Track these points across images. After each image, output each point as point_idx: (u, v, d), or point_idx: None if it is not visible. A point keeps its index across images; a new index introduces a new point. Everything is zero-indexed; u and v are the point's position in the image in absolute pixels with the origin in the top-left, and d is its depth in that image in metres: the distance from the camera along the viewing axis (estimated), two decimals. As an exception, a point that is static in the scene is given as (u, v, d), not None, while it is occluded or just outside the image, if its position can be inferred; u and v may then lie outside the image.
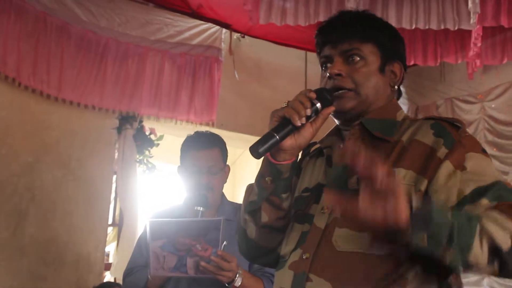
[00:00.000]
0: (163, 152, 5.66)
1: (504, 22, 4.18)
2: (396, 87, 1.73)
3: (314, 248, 1.55)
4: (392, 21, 4.33)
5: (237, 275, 2.54)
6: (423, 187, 1.50)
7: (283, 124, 1.55)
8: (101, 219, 5.11)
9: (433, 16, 4.30)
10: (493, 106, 5.90)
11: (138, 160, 5.34)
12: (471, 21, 3.89)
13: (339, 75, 1.65)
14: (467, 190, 1.47)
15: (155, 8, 5.35)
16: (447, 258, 1.31)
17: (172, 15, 5.39)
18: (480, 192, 1.45)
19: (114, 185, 5.34)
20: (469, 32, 4.32)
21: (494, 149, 5.79)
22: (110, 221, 5.46)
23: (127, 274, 2.88)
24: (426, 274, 1.45)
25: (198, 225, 2.53)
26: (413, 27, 4.37)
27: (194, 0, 5.19)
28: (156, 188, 6.82)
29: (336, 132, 1.77)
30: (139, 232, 5.17)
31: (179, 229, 2.53)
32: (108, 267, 5.31)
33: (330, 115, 1.69)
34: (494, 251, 1.32)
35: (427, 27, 4.36)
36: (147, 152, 5.41)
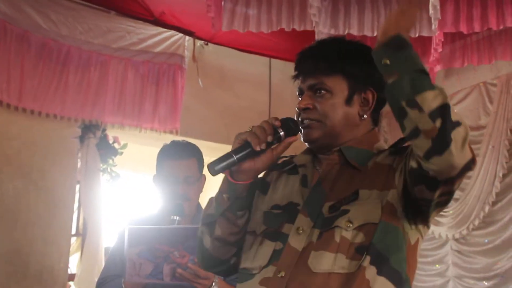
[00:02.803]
0: (127, 161, 5.62)
1: (463, 28, 4.24)
2: (365, 116, 1.78)
3: (291, 268, 1.62)
4: (354, 29, 4.37)
5: (213, 284, 2.53)
6: (389, 198, 1.64)
7: (244, 147, 1.64)
8: (64, 229, 5.04)
9: (394, 23, 4.35)
10: (455, 111, 5.97)
11: (101, 169, 5.28)
12: (433, 27, 3.94)
13: (306, 109, 1.75)
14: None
15: (117, 16, 5.32)
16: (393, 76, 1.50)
17: (134, 23, 5.36)
18: None
19: (77, 195, 5.28)
20: (430, 38, 4.37)
21: (457, 154, 5.86)
22: (73, 231, 5.39)
23: (100, 283, 2.85)
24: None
25: (177, 233, 2.52)
26: (375, 34, 4.41)
27: (156, 7, 5.16)
28: (120, 197, 6.76)
29: (310, 152, 1.84)
30: (103, 241, 5.13)
31: (157, 236, 2.52)
32: (72, 277, 5.24)
33: (306, 143, 1.80)
34: (443, 109, 1.45)
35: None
36: (110, 161, 5.36)
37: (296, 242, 1.66)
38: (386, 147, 1.83)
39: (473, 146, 5.49)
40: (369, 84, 1.78)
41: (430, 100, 1.45)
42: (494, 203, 5.49)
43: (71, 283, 5.35)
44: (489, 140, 5.54)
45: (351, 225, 1.61)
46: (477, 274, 5.56)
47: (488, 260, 5.51)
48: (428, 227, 1.74)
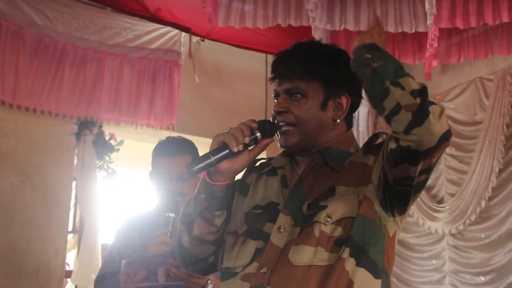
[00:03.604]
0: (123, 157, 5.61)
1: (459, 24, 4.24)
2: (338, 120, 1.84)
3: (273, 264, 1.68)
4: (350, 25, 4.36)
5: (208, 282, 2.52)
6: (367, 192, 1.71)
7: (221, 148, 1.70)
8: (60, 226, 5.03)
9: (390, 19, 4.34)
10: (451, 106, 5.98)
11: (98, 165, 5.28)
12: (428, 22, 3.94)
13: (282, 112, 1.80)
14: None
15: (113, 12, 5.30)
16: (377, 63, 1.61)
17: (130, 19, 5.35)
18: None
19: (74, 192, 5.28)
20: (426, 33, 4.37)
21: (453, 149, 5.88)
22: (70, 228, 5.39)
23: (99, 280, 2.84)
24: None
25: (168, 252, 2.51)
26: (371, 29, 4.40)
27: (152, 3, 5.15)
28: (117, 193, 6.76)
29: (287, 154, 1.90)
30: (99, 238, 5.13)
31: (153, 262, 2.52)
32: (69, 274, 5.24)
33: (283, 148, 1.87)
34: (423, 90, 1.55)
35: (384, 30, 4.40)
36: (107, 158, 5.35)
37: (278, 239, 1.71)
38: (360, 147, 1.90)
39: (469, 142, 5.48)
40: (343, 89, 1.83)
41: (411, 83, 1.56)
42: (490, 198, 5.50)
43: (68, 279, 5.35)
44: (485, 135, 5.55)
45: (329, 220, 1.67)
46: (474, 269, 5.58)
47: (484, 255, 5.52)
48: (405, 217, 1.80)
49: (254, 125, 1.73)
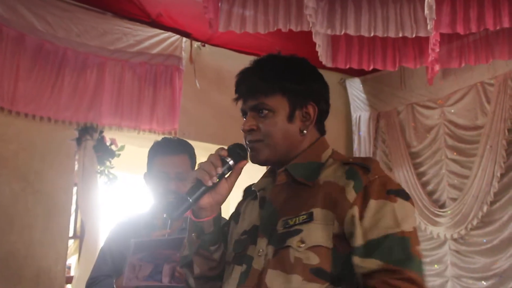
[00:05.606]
0: (124, 163, 5.60)
1: (460, 29, 4.24)
2: (305, 131, 1.79)
3: None
4: (351, 29, 4.37)
5: None
6: (338, 230, 1.61)
7: (197, 186, 1.71)
8: (61, 231, 5.02)
9: (391, 24, 4.35)
10: (452, 111, 5.98)
11: (99, 171, 5.27)
12: (428, 27, 3.94)
13: (251, 130, 1.78)
14: (359, 242, 1.58)
15: (113, 18, 5.30)
16: None
17: (131, 24, 5.35)
18: (371, 246, 1.57)
19: (74, 197, 5.27)
20: (428, 38, 4.37)
21: (455, 153, 5.88)
22: (71, 234, 5.38)
23: (91, 283, 2.81)
24: None
25: (180, 240, 2.47)
26: (372, 34, 4.41)
27: (153, 9, 5.16)
28: (118, 199, 6.75)
29: (270, 173, 1.87)
30: (101, 243, 5.11)
31: (160, 244, 2.49)
32: (70, 280, 5.22)
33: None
34: None
35: (385, 35, 4.41)
36: (108, 163, 5.34)
37: (257, 263, 1.69)
38: (336, 150, 1.84)
39: (470, 146, 5.50)
40: (309, 98, 1.79)
41: None
42: (492, 203, 5.50)
43: (69, 285, 5.34)
44: (487, 140, 5.55)
45: (302, 246, 1.61)
46: (476, 274, 5.57)
47: (486, 260, 5.51)
48: None
49: (224, 153, 1.75)
